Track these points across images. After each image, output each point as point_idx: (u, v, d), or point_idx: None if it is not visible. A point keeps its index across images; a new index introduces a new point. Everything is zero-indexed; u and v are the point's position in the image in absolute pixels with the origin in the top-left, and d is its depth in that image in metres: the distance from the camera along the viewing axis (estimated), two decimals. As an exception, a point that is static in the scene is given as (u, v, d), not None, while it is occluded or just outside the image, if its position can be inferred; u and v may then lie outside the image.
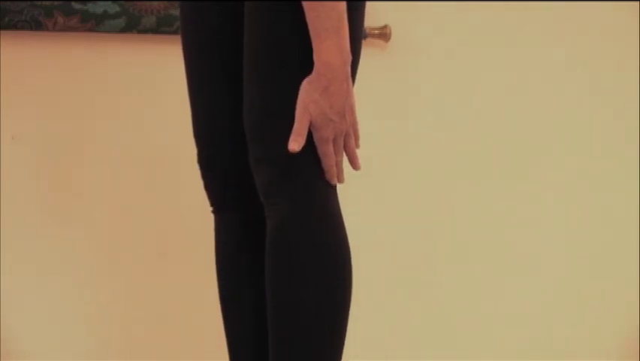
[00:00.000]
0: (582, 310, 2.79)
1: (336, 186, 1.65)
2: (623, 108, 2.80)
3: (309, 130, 1.59)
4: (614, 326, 2.79)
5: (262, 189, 1.64)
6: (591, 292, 2.79)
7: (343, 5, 1.59)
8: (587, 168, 2.80)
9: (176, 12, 2.46)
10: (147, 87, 2.55)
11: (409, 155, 2.72)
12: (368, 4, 2.37)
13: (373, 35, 2.63)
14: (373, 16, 2.60)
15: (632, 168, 2.79)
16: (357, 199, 2.64)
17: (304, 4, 1.57)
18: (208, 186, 1.84)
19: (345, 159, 1.67)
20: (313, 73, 1.58)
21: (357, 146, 1.68)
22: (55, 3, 2.41)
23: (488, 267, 2.75)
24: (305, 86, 1.58)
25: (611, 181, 2.80)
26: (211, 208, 1.85)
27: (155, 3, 2.47)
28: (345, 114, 1.61)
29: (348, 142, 1.65)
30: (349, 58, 1.59)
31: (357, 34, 1.67)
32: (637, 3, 2.73)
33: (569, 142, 2.79)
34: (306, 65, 1.58)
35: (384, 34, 2.64)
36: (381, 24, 2.64)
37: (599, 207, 2.80)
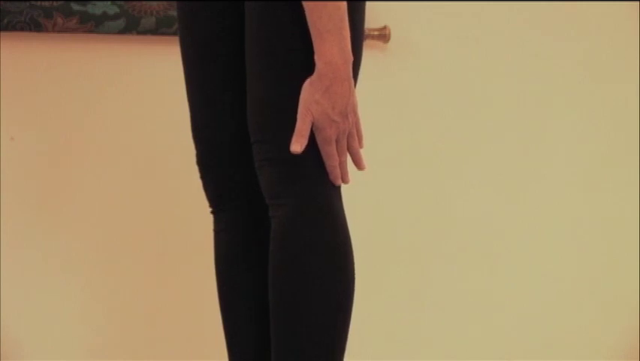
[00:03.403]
0: (582, 310, 2.79)
1: (340, 187, 1.65)
2: (623, 108, 2.80)
3: (312, 131, 1.60)
4: (614, 326, 2.79)
5: (266, 189, 1.64)
6: (591, 292, 2.79)
7: (344, 6, 1.59)
8: (587, 168, 2.80)
9: (175, 13, 2.45)
10: (147, 88, 2.55)
11: (409, 155, 2.72)
12: (368, 5, 2.37)
13: (372, 36, 2.63)
14: (372, 17, 2.60)
15: (633, 168, 2.79)
16: (356, 199, 2.64)
17: (305, 4, 1.57)
18: (207, 187, 1.84)
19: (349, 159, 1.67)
20: (315, 73, 1.58)
21: (361, 146, 1.68)
22: (55, 4, 2.41)
23: (488, 267, 2.75)
24: (307, 87, 1.58)
25: (611, 181, 2.81)
26: (210, 209, 1.86)
27: (155, 4, 2.47)
28: (348, 114, 1.61)
29: (351, 142, 1.65)
30: (350, 58, 1.59)
31: (358, 35, 1.67)
32: (637, 3, 2.73)
33: (570, 142, 2.79)
34: (307, 66, 1.58)
35: (383, 35, 2.64)
36: (381, 25, 2.64)
37: (599, 207, 2.80)
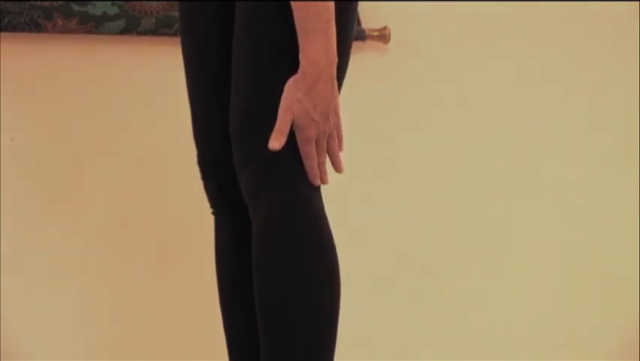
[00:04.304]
0: (582, 310, 2.79)
1: (320, 188, 1.64)
2: (623, 108, 2.80)
3: (293, 131, 1.59)
4: (614, 326, 2.79)
5: (245, 190, 1.64)
6: (591, 292, 2.79)
7: (332, 6, 1.58)
8: (587, 168, 2.80)
9: (175, 13, 2.46)
10: (147, 88, 2.55)
11: (409, 156, 2.72)
12: (367, 6, 2.37)
13: (372, 37, 2.63)
14: (372, 17, 2.60)
15: (633, 168, 2.79)
16: (356, 200, 2.64)
17: (293, 4, 1.57)
18: (208, 187, 1.85)
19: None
20: (298, 72, 1.57)
21: (341, 148, 1.66)
22: (55, 4, 2.41)
23: (487, 267, 2.75)
24: (290, 85, 1.58)
25: (611, 181, 2.80)
26: (211, 210, 1.86)
27: (155, 4, 2.47)
28: (329, 115, 1.60)
29: (331, 144, 1.63)
30: (335, 59, 1.59)
31: (346, 36, 1.66)
32: (637, 3, 2.73)
33: (570, 142, 2.79)
34: (291, 65, 1.58)
35: (383, 35, 2.64)
36: (381, 25, 2.64)
37: (599, 207, 2.80)
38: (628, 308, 2.78)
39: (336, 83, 1.60)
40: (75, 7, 2.42)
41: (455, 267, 2.74)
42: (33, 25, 2.42)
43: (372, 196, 2.69)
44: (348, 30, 1.67)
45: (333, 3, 1.57)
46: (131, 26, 2.46)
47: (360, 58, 2.56)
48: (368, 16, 2.55)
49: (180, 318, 2.59)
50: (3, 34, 2.43)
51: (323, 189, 1.65)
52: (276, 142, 1.58)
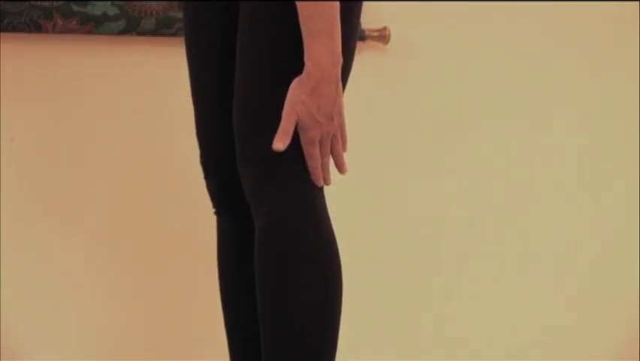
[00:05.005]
0: (582, 310, 2.79)
1: (322, 188, 1.64)
2: (623, 108, 2.80)
3: (297, 131, 1.59)
4: (614, 326, 2.79)
5: (248, 189, 1.64)
6: (591, 292, 2.79)
7: (337, 6, 1.58)
8: (587, 168, 2.80)
9: (175, 14, 2.46)
10: (147, 89, 2.55)
11: (408, 156, 2.72)
12: (367, 6, 2.37)
13: (372, 37, 2.63)
14: (372, 17, 2.60)
15: (632, 168, 2.79)
16: (354, 201, 2.64)
17: (298, 4, 1.57)
18: (210, 187, 1.85)
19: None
20: (303, 73, 1.57)
21: (344, 149, 1.66)
22: (55, 4, 2.41)
23: (487, 267, 2.75)
24: (294, 86, 1.58)
25: (611, 181, 2.81)
26: (213, 210, 1.86)
27: (155, 4, 2.47)
28: (333, 116, 1.60)
29: (334, 145, 1.63)
30: (340, 60, 1.58)
31: (350, 37, 1.66)
32: (637, 3, 2.73)
33: (570, 142, 2.79)
34: (296, 66, 1.58)
35: (383, 36, 2.64)
36: (381, 26, 2.64)
37: (599, 207, 2.80)
38: (628, 308, 2.78)
39: (340, 84, 1.59)
40: (75, 7, 2.42)
41: (456, 267, 2.74)
42: (33, 26, 2.41)
43: (373, 196, 2.69)
44: (353, 31, 1.67)
45: (338, 3, 1.57)
46: (131, 26, 2.46)
47: (360, 58, 2.54)
48: (368, 16, 2.55)
49: (180, 318, 2.59)
50: (3, 34, 2.43)
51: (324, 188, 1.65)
52: (280, 143, 1.57)
